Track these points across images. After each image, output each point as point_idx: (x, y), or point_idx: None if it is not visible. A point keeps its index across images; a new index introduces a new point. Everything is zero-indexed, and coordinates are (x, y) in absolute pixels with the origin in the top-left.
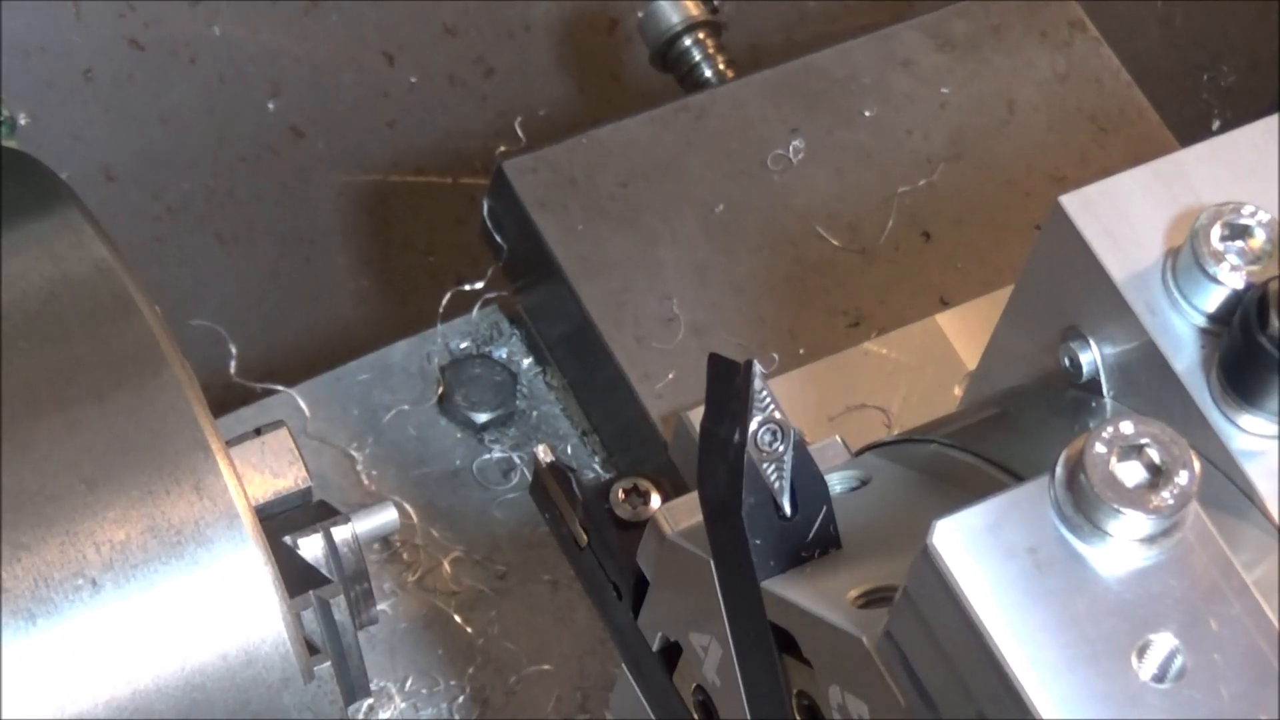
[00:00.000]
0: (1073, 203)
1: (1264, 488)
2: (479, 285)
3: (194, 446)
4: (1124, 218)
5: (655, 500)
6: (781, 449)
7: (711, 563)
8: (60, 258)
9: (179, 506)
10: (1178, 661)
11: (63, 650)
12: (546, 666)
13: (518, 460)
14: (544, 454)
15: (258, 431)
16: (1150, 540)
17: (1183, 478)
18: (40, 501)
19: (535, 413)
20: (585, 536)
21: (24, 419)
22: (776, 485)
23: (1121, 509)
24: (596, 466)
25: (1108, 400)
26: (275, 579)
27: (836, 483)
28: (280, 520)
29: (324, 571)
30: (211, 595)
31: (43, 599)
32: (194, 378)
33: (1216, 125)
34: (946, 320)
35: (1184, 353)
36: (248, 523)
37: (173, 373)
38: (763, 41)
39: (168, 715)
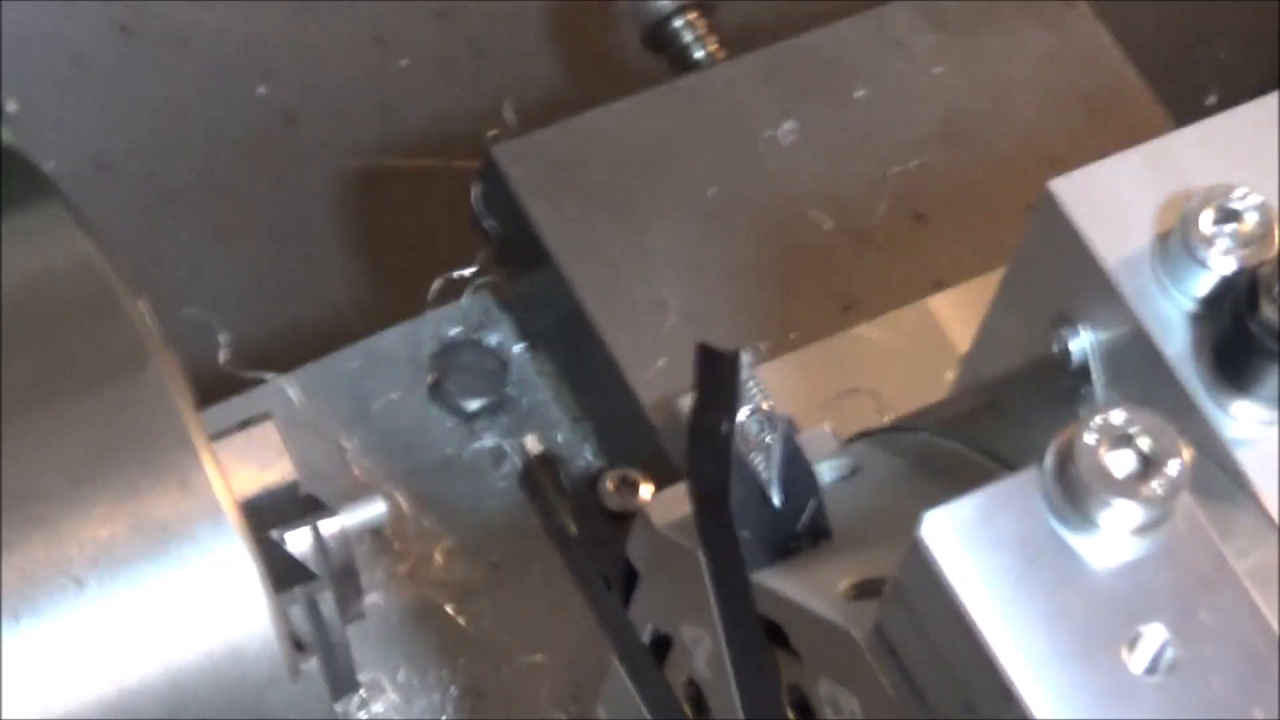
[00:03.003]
0: (1062, 187)
1: (1256, 476)
2: (470, 271)
3: (178, 442)
4: (1114, 202)
5: (645, 491)
6: (770, 439)
7: (700, 555)
8: (43, 252)
9: (164, 503)
10: (1169, 653)
11: (48, 649)
12: (539, 657)
13: (509, 448)
14: (533, 445)
15: (244, 424)
16: (1141, 531)
17: (1173, 467)
18: (23, 499)
19: (526, 400)
20: (574, 528)
21: (6, 416)
22: (765, 476)
23: (1111, 499)
24: (588, 454)
25: (1098, 387)
26: (261, 575)
27: (826, 472)
28: (267, 514)
29: (312, 566)
30: (197, 592)
31: (27, 598)
32: (179, 372)
33: (1212, 101)
34: (939, 303)
35: (1174, 339)
36: (233, 518)
37: (156, 367)
38: (754, 21)
39: (153, 714)
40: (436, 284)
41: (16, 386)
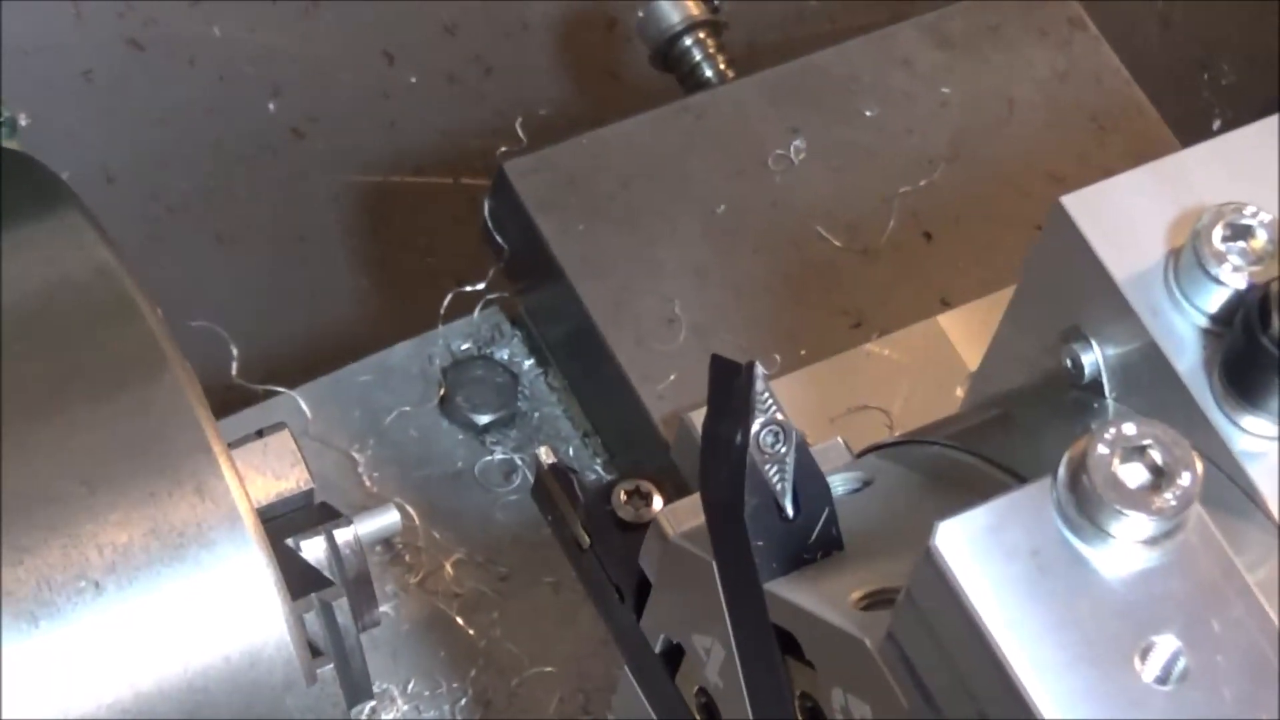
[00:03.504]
0: (1074, 203)
1: (1266, 489)
2: (480, 286)
3: (196, 448)
4: (1125, 218)
5: (657, 502)
6: (784, 450)
7: (714, 564)
8: (61, 259)
9: (181, 509)
10: (1180, 663)
11: (65, 652)
12: (549, 668)
13: (519, 462)
14: (546, 456)
15: (259, 433)
16: (1153, 542)
17: (1185, 479)
18: (42, 504)
19: (537, 414)
20: (587, 538)
21: (25, 422)
22: (779, 487)
23: (1124, 510)
24: (598, 468)
25: (1110, 401)
26: (278, 581)
27: (838, 484)
28: (282, 522)
29: (326, 574)
30: (214, 597)
31: (45, 601)
32: (195, 379)
33: (1217, 124)
34: (948, 321)
35: (1186, 353)
36: (250, 525)
37: (174, 374)
38: (761, 41)
39: (171, 717)
40: (447, 299)
41: (34, 392)
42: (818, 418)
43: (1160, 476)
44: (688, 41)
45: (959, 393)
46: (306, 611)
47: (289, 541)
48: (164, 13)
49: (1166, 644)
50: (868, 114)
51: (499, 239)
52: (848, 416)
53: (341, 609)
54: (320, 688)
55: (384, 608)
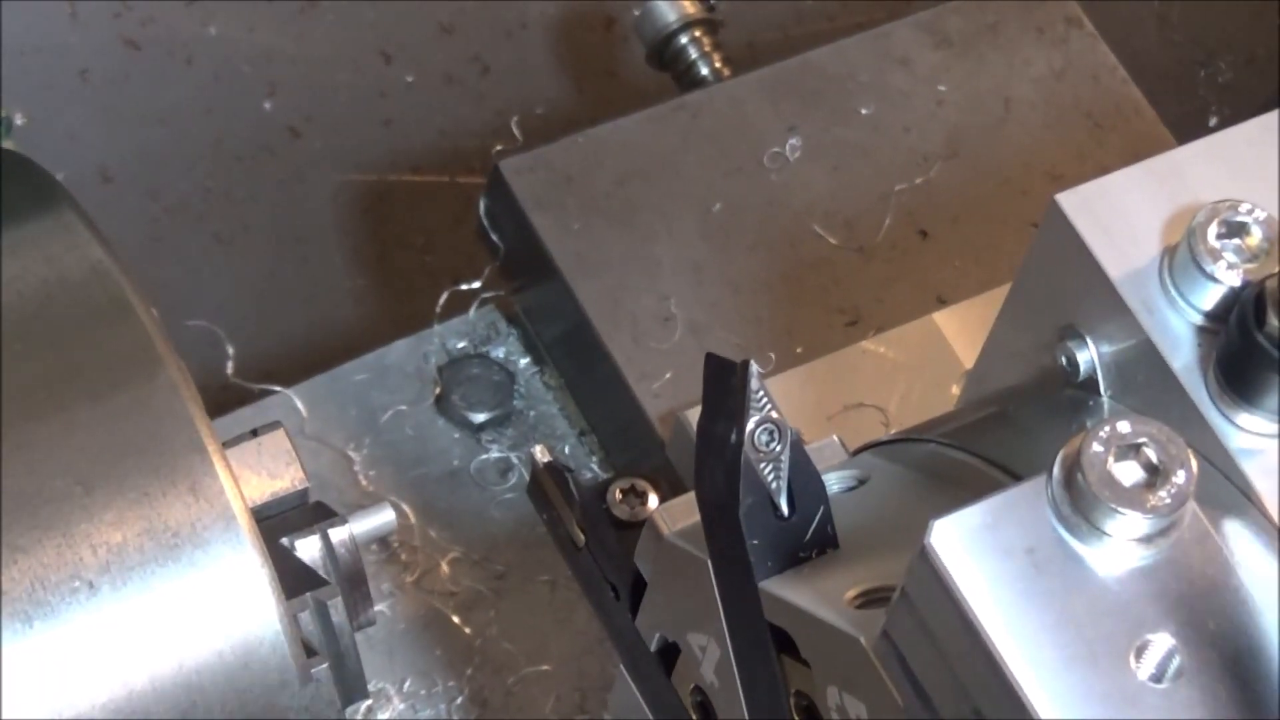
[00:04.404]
0: (1069, 201)
1: (1262, 486)
2: (476, 285)
3: (190, 448)
4: (1121, 216)
5: (653, 500)
6: (779, 449)
7: (709, 563)
8: (56, 259)
9: (175, 508)
10: (1175, 661)
11: (60, 652)
12: (545, 667)
13: (515, 460)
14: (541, 454)
15: (254, 433)
16: (1148, 540)
17: (1180, 477)
18: (37, 504)
19: (533, 412)
20: (583, 537)
21: (20, 421)
22: (774, 485)
23: (1119, 508)
24: (594, 466)
25: (1105, 399)
26: (272, 581)
27: (834, 482)
28: (277, 521)
29: (321, 573)
30: (208, 597)
31: (40, 601)
32: (190, 379)
33: (1214, 122)
34: (944, 319)
35: (1181, 351)
36: (244, 524)
37: (169, 374)
38: (759, 39)
39: (165, 717)
40: (443, 297)
41: (29, 392)
42: (814, 416)
43: (1155, 474)
44: (684, 40)
45: (954, 390)
46: (301, 611)
47: (284, 541)
48: (161, 12)
49: (1161, 642)
50: (864, 112)
51: (495, 237)
52: (843, 414)
53: (336, 608)
54: (315, 687)
55: (380, 606)
